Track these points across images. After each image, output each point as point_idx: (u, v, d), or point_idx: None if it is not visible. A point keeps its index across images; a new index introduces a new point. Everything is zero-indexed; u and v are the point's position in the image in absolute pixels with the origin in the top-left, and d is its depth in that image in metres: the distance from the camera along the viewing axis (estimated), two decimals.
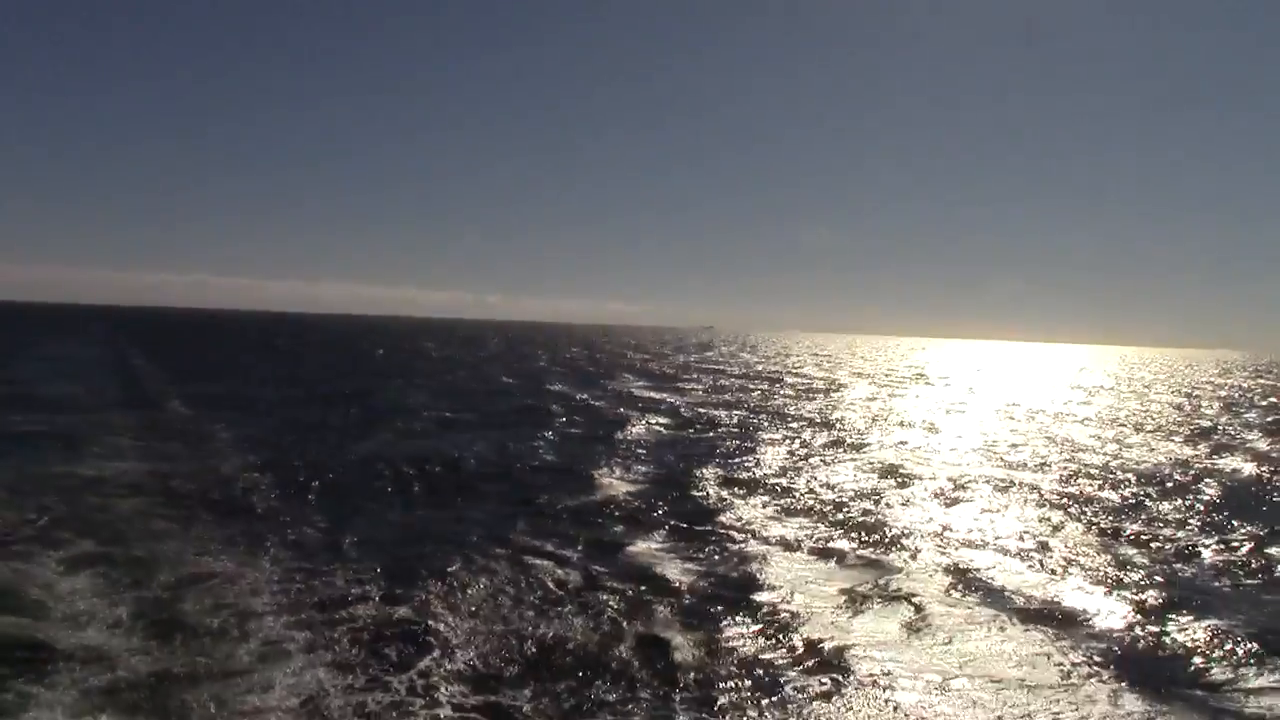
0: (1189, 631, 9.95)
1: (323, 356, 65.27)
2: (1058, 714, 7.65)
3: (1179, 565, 12.93)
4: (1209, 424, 35.12)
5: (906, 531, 14.32)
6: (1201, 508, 17.16)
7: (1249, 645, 9.45)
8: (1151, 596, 11.23)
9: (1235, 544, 14.26)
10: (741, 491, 17.13)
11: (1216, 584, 12.05)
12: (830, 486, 17.90)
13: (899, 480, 19.04)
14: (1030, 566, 12.54)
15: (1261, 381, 78.22)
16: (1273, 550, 13.83)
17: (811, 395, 42.95)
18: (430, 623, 9.22)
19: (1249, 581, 12.24)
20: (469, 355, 74.92)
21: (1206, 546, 14.04)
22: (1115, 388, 60.97)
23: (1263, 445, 28.13)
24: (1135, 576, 12.13)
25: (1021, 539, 14.11)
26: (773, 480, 18.42)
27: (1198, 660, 9.15)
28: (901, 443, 25.55)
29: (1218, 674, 8.78)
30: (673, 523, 14.31)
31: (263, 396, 31.65)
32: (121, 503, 14.20)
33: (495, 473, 18.40)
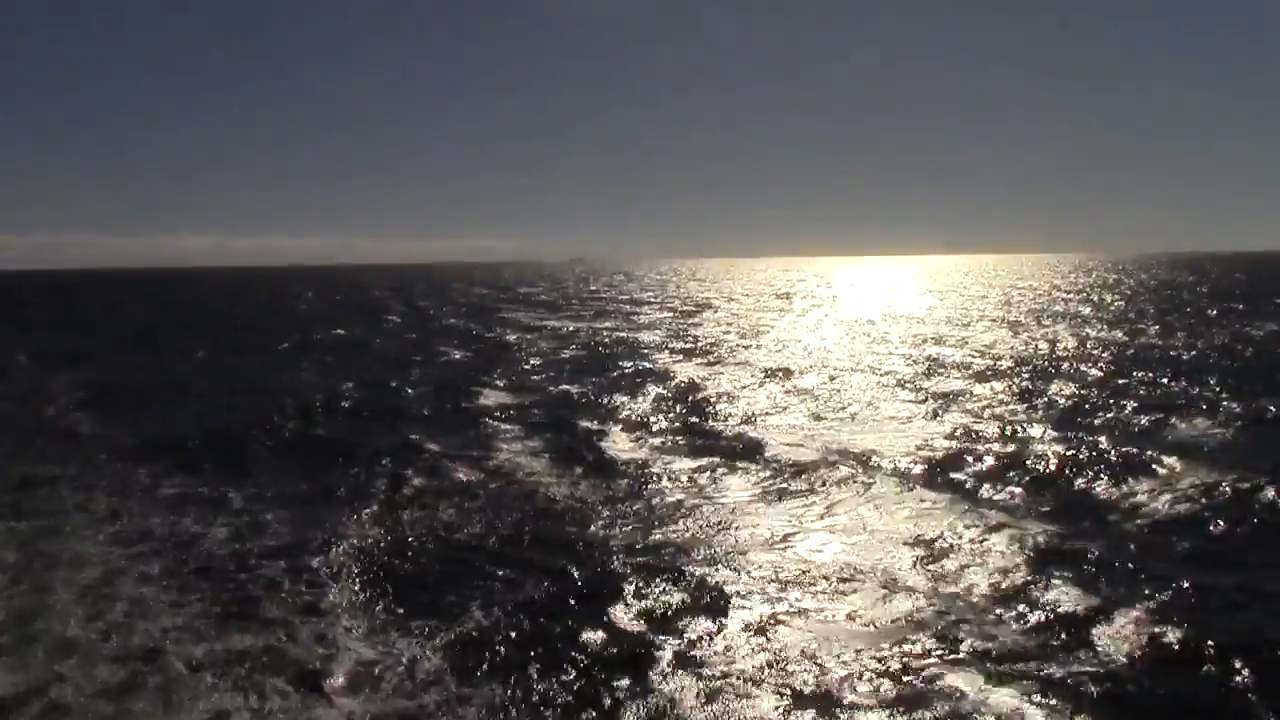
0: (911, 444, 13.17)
1: (189, 313, 64.88)
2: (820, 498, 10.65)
3: (936, 409, 16.31)
4: (1008, 316, 39.85)
5: (719, 407, 17.61)
6: (962, 370, 20.88)
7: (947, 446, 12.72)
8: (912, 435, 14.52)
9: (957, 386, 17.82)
10: (601, 390, 20.09)
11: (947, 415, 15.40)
12: (676, 383, 21.05)
13: (728, 375, 22.33)
14: (789, 421, 15.74)
15: (1081, 280, 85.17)
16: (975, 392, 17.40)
17: (681, 316, 46.27)
18: (226, 490, 12.03)
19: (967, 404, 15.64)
20: (353, 299, 75.56)
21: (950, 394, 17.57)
22: (942, 293, 66.14)
23: (1046, 327, 32.57)
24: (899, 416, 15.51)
25: (795, 404, 17.39)
26: (631, 381, 21.48)
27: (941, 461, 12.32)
28: (744, 348, 28.98)
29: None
30: (533, 417, 17.03)
31: (112, 353, 32.49)
32: None
33: (379, 401, 19.65)
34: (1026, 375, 20.86)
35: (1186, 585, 7.91)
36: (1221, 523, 9.75)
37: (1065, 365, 22.46)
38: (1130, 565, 8.49)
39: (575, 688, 6.45)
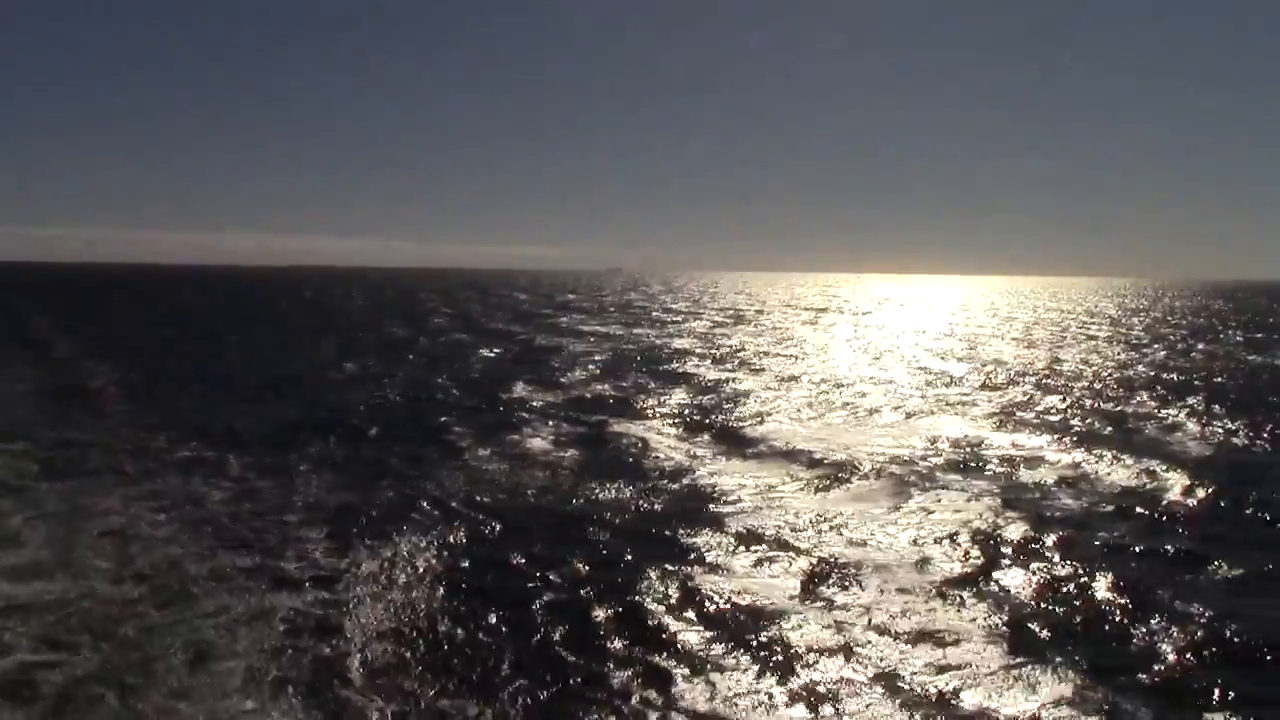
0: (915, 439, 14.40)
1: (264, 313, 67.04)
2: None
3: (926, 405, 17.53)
4: (1026, 336, 40.68)
5: (723, 405, 19.11)
6: (956, 383, 22.00)
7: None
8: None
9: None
10: (624, 389, 21.59)
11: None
12: (693, 384, 22.64)
13: (742, 379, 23.77)
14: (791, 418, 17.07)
15: (1115, 304, 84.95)
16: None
17: (713, 326, 47.76)
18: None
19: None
20: (398, 301, 77.91)
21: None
22: (974, 312, 66.70)
23: (1058, 348, 33.50)
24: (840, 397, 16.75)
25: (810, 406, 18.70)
26: (653, 382, 22.96)
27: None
28: (765, 355, 30.52)
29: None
30: (558, 411, 18.43)
31: (149, 345, 34.26)
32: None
33: (414, 393, 20.86)
34: (1011, 389, 21.91)
35: (1064, 549, 9.28)
36: (1121, 513, 11.00)
37: (1054, 381, 23.45)
38: (1028, 542, 9.78)
39: (505, 614, 7.90)
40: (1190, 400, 19.93)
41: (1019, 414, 18.28)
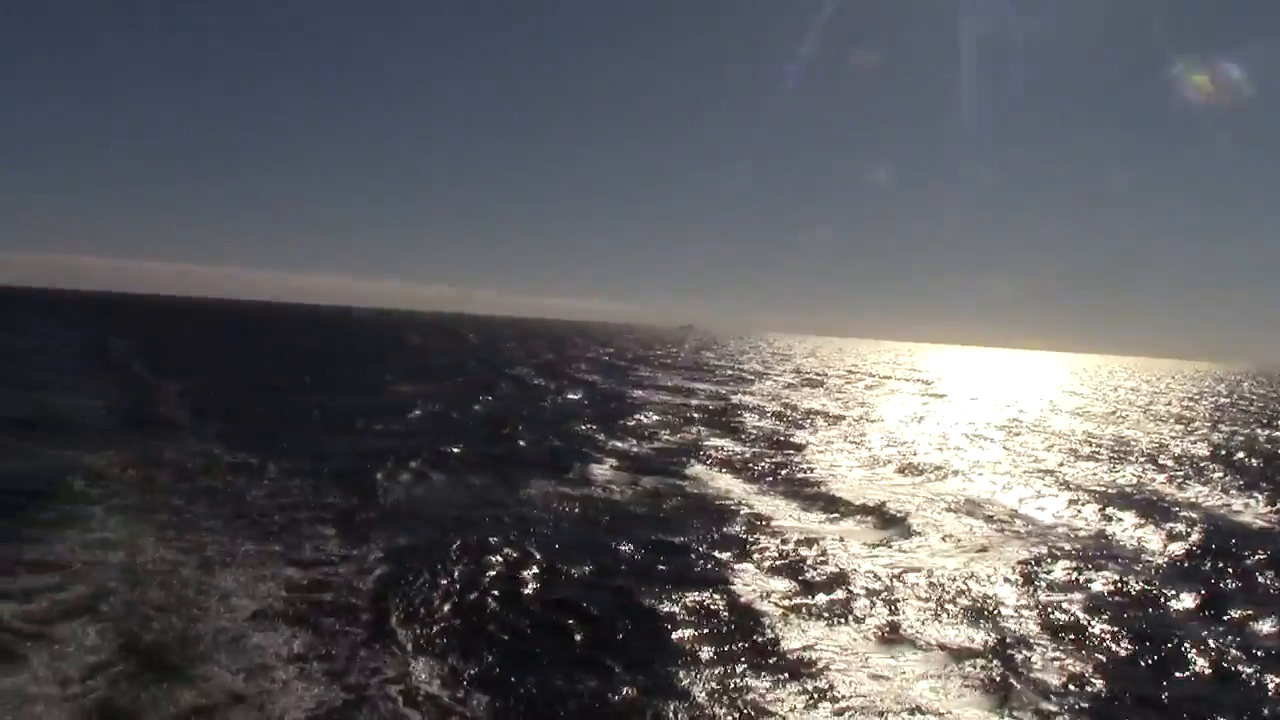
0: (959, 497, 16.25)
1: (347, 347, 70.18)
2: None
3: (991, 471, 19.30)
4: (1087, 409, 41.64)
5: (765, 454, 20.81)
6: (984, 441, 23.61)
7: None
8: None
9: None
10: (687, 429, 23.87)
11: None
12: (750, 435, 24.39)
13: (791, 431, 25.52)
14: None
15: (1181, 387, 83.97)
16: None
17: (794, 387, 49.46)
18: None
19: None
20: (479, 347, 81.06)
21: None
22: (1035, 385, 67.09)
23: (1115, 423, 34.48)
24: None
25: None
26: (710, 430, 24.81)
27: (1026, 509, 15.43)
28: (817, 413, 32.07)
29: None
30: (616, 445, 20.49)
31: (228, 377, 36.98)
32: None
33: (492, 429, 22.28)
34: (1038, 455, 23.44)
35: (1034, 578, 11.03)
36: (1085, 559, 12.65)
37: (1082, 450, 24.89)
38: (1036, 578, 11.56)
39: (496, 600, 9.91)
40: (1210, 475, 21.25)
41: (1031, 478, 19.84)
